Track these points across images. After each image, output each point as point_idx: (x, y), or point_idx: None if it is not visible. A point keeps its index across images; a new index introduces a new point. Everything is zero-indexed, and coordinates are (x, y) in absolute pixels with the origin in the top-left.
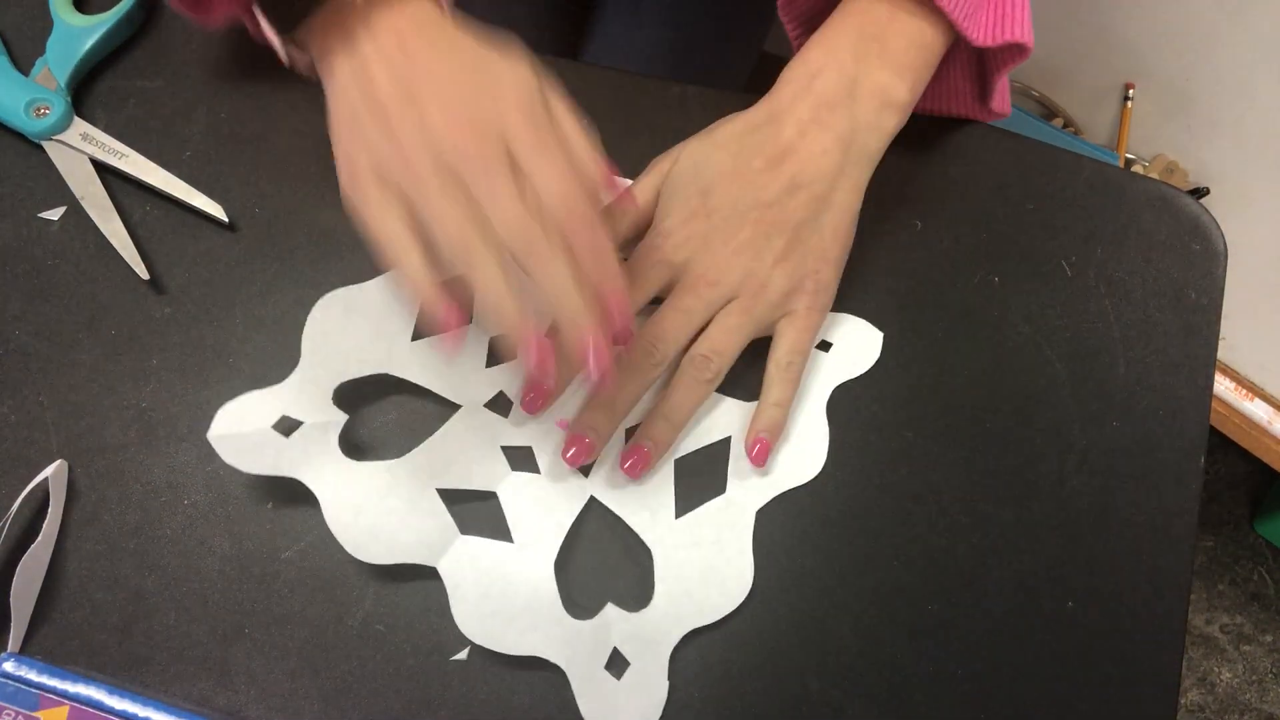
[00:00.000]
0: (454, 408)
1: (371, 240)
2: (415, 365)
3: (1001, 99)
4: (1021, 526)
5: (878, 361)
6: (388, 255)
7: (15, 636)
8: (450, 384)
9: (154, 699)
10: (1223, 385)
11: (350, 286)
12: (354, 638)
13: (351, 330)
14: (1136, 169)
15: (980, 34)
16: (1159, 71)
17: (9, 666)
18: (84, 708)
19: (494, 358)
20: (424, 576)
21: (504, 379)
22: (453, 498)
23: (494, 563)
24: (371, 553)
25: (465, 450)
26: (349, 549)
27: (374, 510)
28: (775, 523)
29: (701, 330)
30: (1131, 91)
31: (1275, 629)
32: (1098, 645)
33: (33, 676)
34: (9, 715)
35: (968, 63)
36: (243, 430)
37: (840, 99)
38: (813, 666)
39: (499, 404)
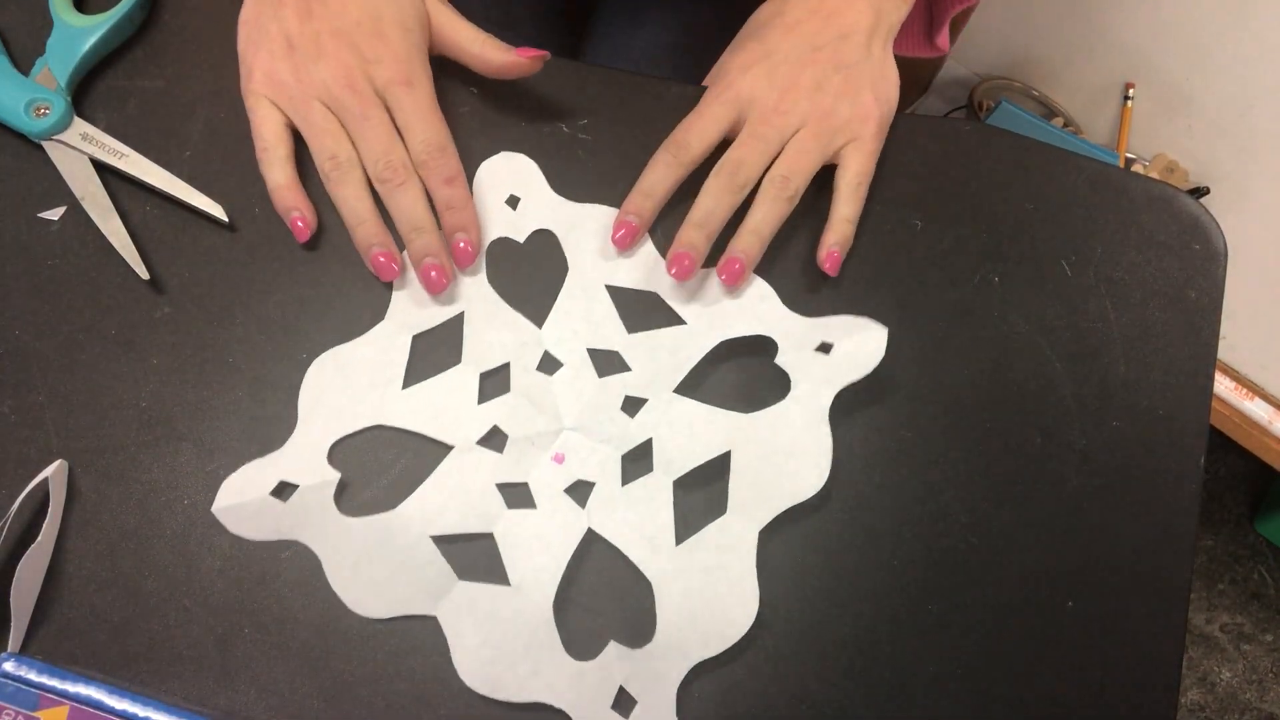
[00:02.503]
0: (447, 451)
1: (254, 138)
2: (407, 412)
3: (944, 37)
4: (1021, 526)
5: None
6: (260, 158)
7: (15, 636)
8: (442, 425)
9: (154, 699)
10: (1223, 385)
11: (341, 345)
12: (354, 637)
13: (344, 387)
14: (1136, 169)
15: None
16: (1159, 71)
17: (9, 666)
18: (84, 708)
19: (485, 394)
20: None
21: (496, 414)
22: (449, 542)
23: (493, 607)
24: (372, 608)
25: (459, 493)
26: (350, 605)
27: (371, 565)
28: (776, 526)
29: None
30: (1131, 91)
31: (1275, 628)
32: (1098, 645)
33: (33, 676)
34: (9, 715)
35: (921, 4)
36: (243, 500)
37: None
38: (813, 673)
39: (493, 441)
